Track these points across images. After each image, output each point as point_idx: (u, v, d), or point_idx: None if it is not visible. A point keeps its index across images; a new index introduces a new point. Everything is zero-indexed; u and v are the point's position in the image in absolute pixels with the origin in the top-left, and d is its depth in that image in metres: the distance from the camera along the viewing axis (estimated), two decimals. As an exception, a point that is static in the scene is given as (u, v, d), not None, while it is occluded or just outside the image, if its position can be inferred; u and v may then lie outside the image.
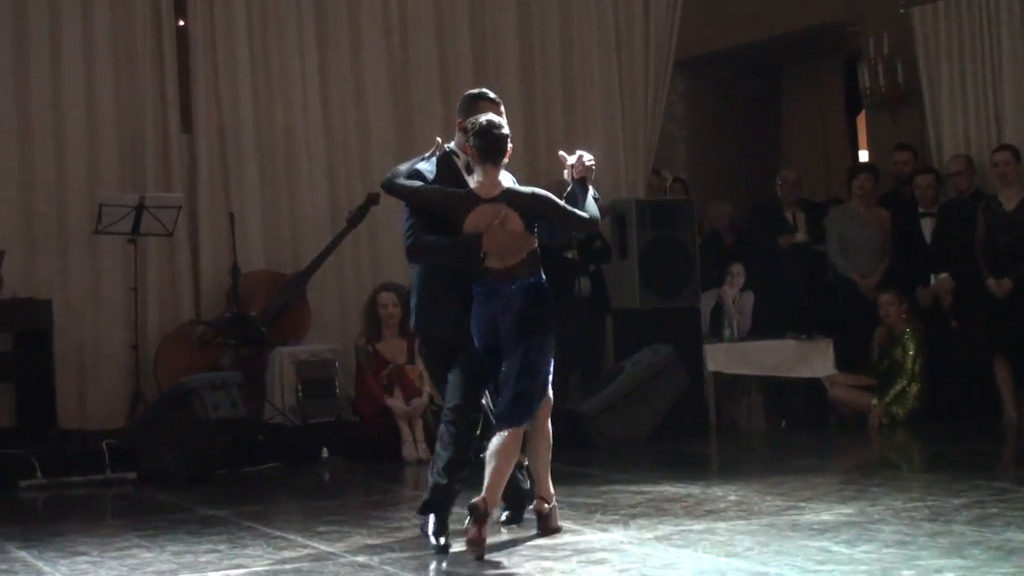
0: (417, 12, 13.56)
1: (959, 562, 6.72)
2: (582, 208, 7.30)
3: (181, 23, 13.01)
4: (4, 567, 7.49)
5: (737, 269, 13.52)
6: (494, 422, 7.21)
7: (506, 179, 7.28)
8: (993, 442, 11.70)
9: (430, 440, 11.32)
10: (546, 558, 7.04)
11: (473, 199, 7.13)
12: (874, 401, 12.75)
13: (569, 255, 13.22)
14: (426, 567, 6.99)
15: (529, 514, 7.66)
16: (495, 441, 7.03)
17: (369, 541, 7.89)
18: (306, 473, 11.30)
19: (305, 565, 7.26)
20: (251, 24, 13.04)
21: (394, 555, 7.43)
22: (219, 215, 12.77)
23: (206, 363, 12.27)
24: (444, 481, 7.21)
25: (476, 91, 7.72)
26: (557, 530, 7.49)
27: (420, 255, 7.40)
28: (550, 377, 7.33)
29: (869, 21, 14.11)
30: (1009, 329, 12.29)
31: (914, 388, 12.71)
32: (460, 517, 7.03)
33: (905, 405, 12.69)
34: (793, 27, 14.86)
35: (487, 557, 6.77)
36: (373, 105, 13.36)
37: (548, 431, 7.43)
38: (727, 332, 13.33)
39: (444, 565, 6.84)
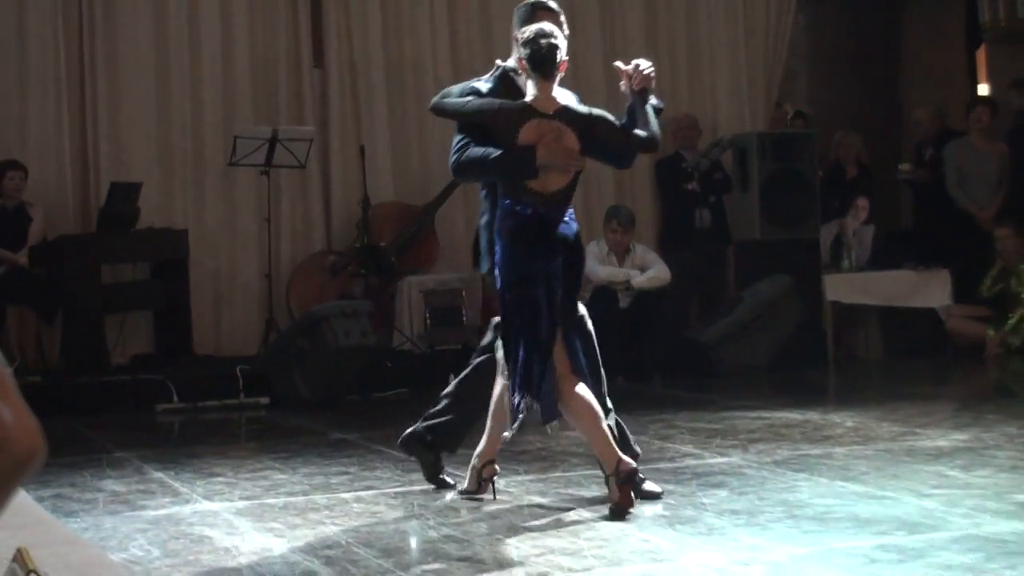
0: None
1: (1072, 487, 6.71)
2: (642, 126, 6.45)
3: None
4: (142, 487, 7.60)
5: (863, 203, 13.43)
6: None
7: (567, 98, 6.51)
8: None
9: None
10: (667, 480, 7.07)
11: (529, 111, 6.35)
12: (990, 331, 12.67)
13: (689, 187, 13.22)
14: (548, 487, 7.06)
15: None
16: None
17: (500, 463, 7.95)
18: (434, 399, 11.40)
19: (431, 485, 7.35)
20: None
21: (519, 478, 7.51)
22: (350, 148, 12.86)
23: (337, 292, 12.38)
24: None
25: (534, 0, 6.79)
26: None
27: (467, 171, 6.69)
28: None
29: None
30: None
31: (1031, 319, 12.63)
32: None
33: (1020, 335, 12.59)
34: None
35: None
36: (499, 40, 13.35)
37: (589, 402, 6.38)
38: (845, 263, 13.28)
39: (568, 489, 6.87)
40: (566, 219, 6.40)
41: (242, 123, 12.41)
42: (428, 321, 12.31)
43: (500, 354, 6.57)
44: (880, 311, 13.34)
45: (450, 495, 6.92)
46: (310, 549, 6.05)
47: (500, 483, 6.88)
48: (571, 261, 6.41)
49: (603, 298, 11.63)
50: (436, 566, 5.65)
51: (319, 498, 7.21)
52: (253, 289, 12.59)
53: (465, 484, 6.88)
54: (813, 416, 9.39)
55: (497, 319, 6.73)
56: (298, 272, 12.65)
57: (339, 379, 11.27)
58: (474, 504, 6.83)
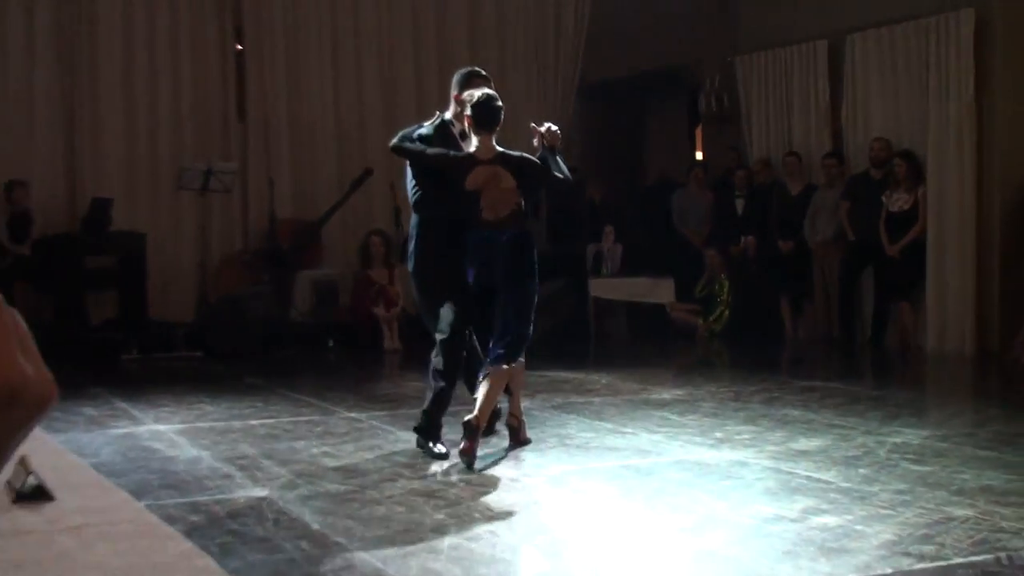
0: (400, 46, 13.49)
1: (752, 427, 6.87)
2: (556, 170, 6.16)
3: (239, 47, 12.93)
4: (109, 413, 7.56)
5: (608, 229, 13.58)
6: (490, 358, 6.03)
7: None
8: (777, 350, 11.86)
9: (402, 337, 11.44)
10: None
11: (473, 161, 6.00)
12: (700, 321, 12.88)
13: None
14: (396, 419, 7.06)
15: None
16: (492, 371, 5.97)
17: (361, 403, 7.95)
18: (318, 356, 11.35)
19: (315, 418, 7.32)
20: (287, 46, 12.94)
21: (377, 413, 7.50)
22: (262, 179, 12.72)
23: (250, 279, 12.30)
24: (435, 409, 6.15)
25: (470, 69, 6.47)
26: (527, 441, 6.35)
27: (424, 208, 6.22)
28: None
29: (706, 65, 14.13)
30: (790, 275, 12.44)
31: (726, 313, 12.83)
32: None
33: (720, 323, 12.82)
34: (652, 66, 14.83)
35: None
36: (368, 103, 13.31)
37: (523, 362, 6.27)
38: (603, 271, 13.41)
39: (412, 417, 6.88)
40: (504, 237, 5.98)
41: (187, 158, 12.25)
42: (314, 301, 12.25)
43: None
44: (626, 305, 13.50)
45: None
46: (228, 459, 6.00)
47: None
48: (514, 270, 6.05)
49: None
50: (318, 473, 5.63)
51: (235, 423, 7.15)
52: (191, 275, 12.43)
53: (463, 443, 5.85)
54: (579, 375, 9.49)
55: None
56: (223, 264, 12.53)
57: (250, 340, 11.21)
58: (348, 432, 6.80)
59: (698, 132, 15.68)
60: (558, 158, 6.21)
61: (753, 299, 12.82)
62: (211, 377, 9.61)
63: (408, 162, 6.27)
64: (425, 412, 6.16)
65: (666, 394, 8.34)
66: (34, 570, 3.61)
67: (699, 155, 15.44)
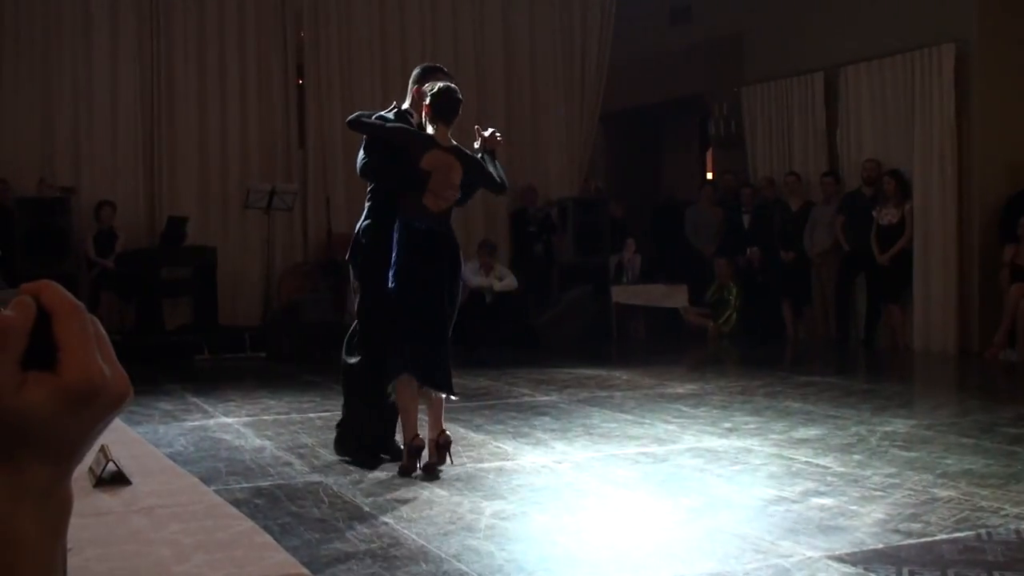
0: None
1: (757, 418, 6.83)
2: (493, 172, 5.42)
3: (300, 82, 12.98)
4: (183, 407, 7.57)
5: (630, 241, 13.54)
6: (424, 377, 5.25)
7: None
8: (780, 349, 11.80)
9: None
10: (511, 410, 7.07)
11: (432, 142, 5.23)
12: (711, 324, 12.83)
13: (530, 229, 13.27)
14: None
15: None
16: (411, 390, 5.30)
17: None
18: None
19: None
20: (342, 81, 12.98)
21: (421, 406, 7.49)
22: (320, 198, 12.77)
23: (309, 288, 12.33)
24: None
25: (431, 64, 5.72)
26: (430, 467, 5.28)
27: (370, 174, 5.43)
28: None
29: (714, 94, 14.10)
30: (790, 281, 12.37)
31: (735, 316, 12.78)
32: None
33: (728, 325, 12.77)
34: (667, 96, 14.82)
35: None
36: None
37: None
38: (624, 278, 13.37)
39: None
40: (450, 238, 5.32)
41: (253, 180, 12.29)
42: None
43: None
44: (644, 309, 13.46)
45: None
46: (289, 448, 6.01)
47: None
48: (453, 268, 5.32)
49: (475, 297, 11.64)
50: (368, 461, 5.63)
51: (295, 416, 7.16)
52: (257, 284, 12.47)
53: (403, 462, 5.33)
54: (602, 372, 9.46)
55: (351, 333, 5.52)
56: (285, 274, 12.56)
57: (309, 342, 11.22)
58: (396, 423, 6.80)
59: (708, 154, 15.62)
60: (496, 162, 5.50)
61: (758, 303, 12.74)
62: (274, 375, 9.63)
63: (364, 136, 5.48)
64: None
65: (680, 388, 8.30)
66: (112, 546, 3.62)
67: (709, 175, 15.38)
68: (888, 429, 6.35)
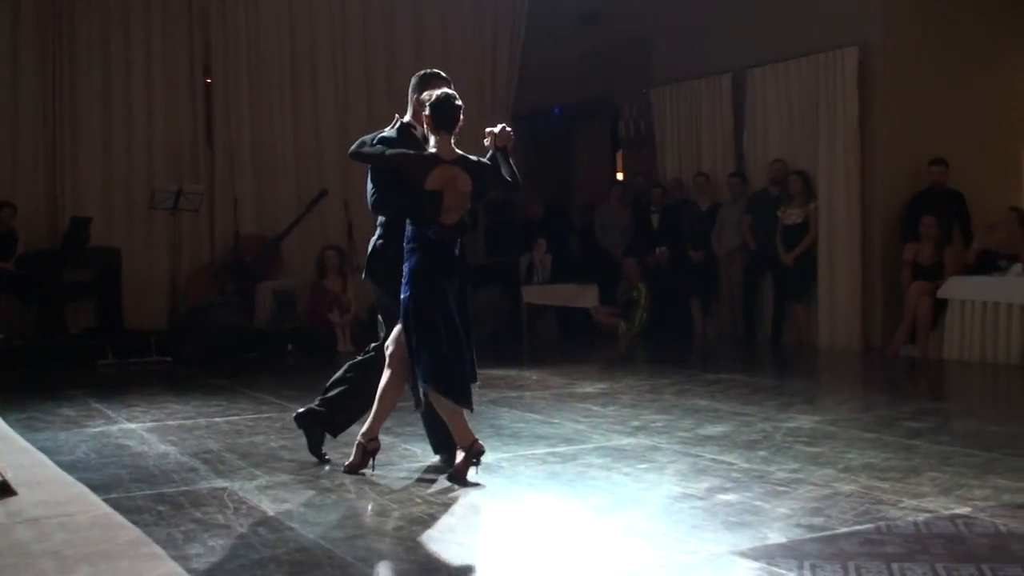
0: (353, 78, 13.44)
1: (665, 416, 6.88)
2: (506, 172, 5.31)
3: (207, 81, 12.81)
4: (85, 413, 7.41)
5: (541, 241, 13.57)
6: (431, 382, 5.12)
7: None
8: (688, 347, 11.91)
9: (355, 341, 11.32)
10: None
11: (435, 160, 5.09)
12: (621, 323, 12.91)
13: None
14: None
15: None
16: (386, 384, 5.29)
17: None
18: (278, 359, 11.24)
19: (274, 415, 7.23)
20: (250, 80, 12.86)
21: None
22: (227, 199, 12.63)
23: (216, 290, 12.18)
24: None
25: (429, 71, 5.55)
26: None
27: (382, 208, 5.34)
28: None
29: (624, 96, 14.19)
30: (699, 280, 12.50)
31: (644, 316, 12.88)
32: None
33: (638, 325, 12.86)
34: (578, 97, 14.91)
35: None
36: (323, 131, 13.24)
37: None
38: (535, 278, 13.40)
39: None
40: (458, 247, 5.24)
41: (159, 181, 12.11)
42: (274, 310, 12.12)
43: (390, 351, 5.26)
44: (555, 309, 13.51)
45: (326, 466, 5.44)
46: (194, 453, 5.92)
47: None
48: (464, 279, 5.26)
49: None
50: (275, 465, 5.56)
51: (201, 421, 7.05)
52: (163, 287, 12.29)
53: (351, 459, 5.34)
54: (512, 372, 9.47)
55: (399, 327, 5.22)
56: (192, 277, 12.39)
57: (216, 345, 11.08)
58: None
59: (619, 155, 15.72)
60: (509, 159, 5.37)
61: (667, 302, 12.86)
62: (180, 380, 9.47)
63: (369, 167, 5.37)
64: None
65: (590, 388, 8.33)
66: (-7, 557, 3.53)
67: (619, 175, 15.48)
68: (793, 425, 6.44)
